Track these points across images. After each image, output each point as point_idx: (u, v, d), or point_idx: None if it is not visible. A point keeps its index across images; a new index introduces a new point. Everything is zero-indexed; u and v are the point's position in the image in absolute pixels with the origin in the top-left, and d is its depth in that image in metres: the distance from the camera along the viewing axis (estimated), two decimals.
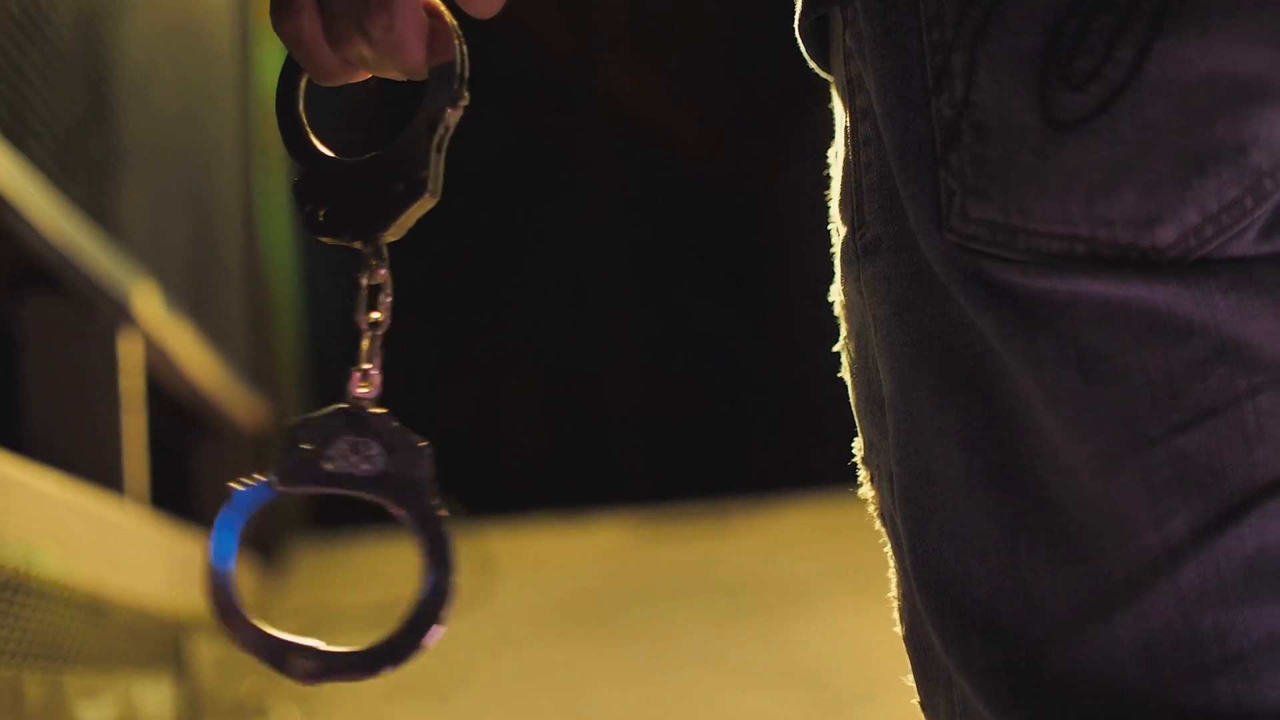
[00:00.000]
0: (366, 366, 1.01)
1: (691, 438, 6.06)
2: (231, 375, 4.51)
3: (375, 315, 1.02)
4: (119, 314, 2.92)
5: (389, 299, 1.02)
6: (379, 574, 5.23)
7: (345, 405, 0.99)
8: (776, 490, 5.76)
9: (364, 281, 1.02)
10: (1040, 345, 0.92)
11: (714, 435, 6.36)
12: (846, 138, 1.05)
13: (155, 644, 2.93)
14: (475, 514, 5.58)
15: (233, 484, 1.00)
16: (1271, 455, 0.90)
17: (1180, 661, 0.91)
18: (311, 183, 1.00)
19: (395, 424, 1.00)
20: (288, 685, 3.69)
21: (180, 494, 4.03)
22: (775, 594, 4.40)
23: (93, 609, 2.51)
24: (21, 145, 2.38)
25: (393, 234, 1.01)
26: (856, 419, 1.13)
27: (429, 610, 0.97)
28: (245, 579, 4.44)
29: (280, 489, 0.99)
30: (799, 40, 1.08)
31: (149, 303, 3.17)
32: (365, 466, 0.98)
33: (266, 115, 4.86)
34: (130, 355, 2.99)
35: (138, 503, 3.01)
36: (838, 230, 1.10)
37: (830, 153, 1.13)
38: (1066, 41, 0.91)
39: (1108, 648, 0.93)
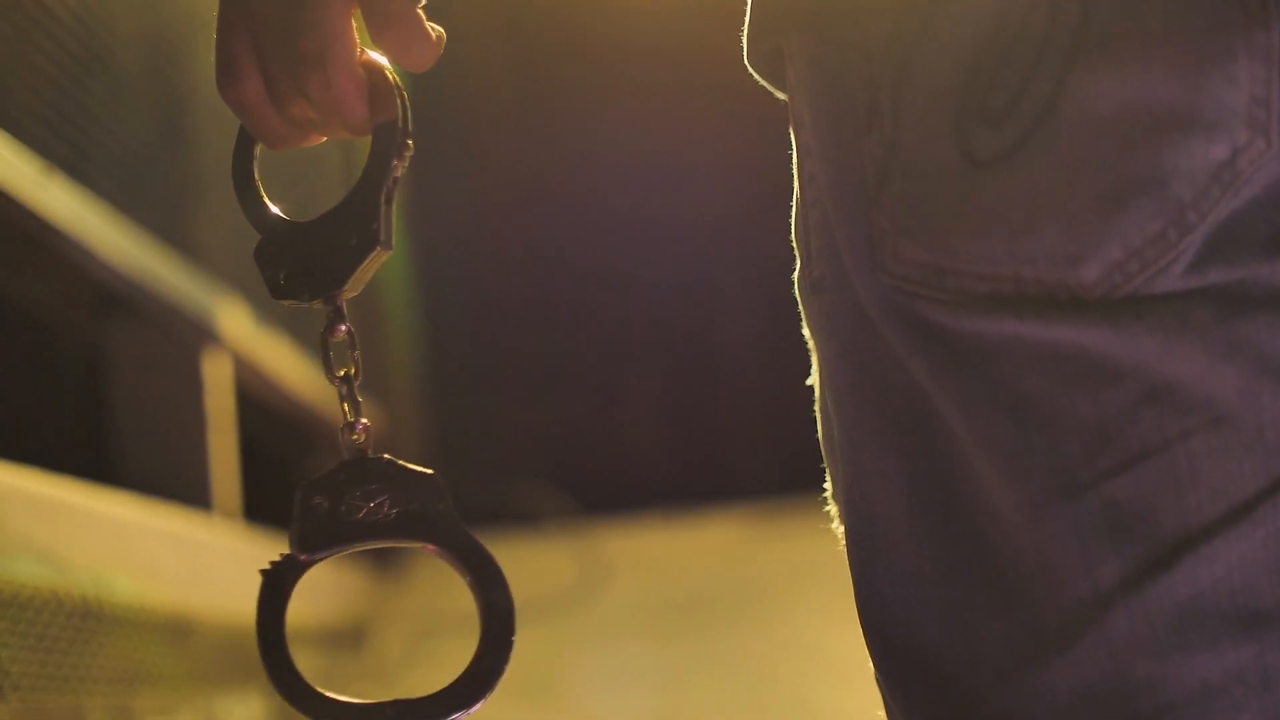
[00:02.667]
0: (352, 420, 1.02)
1: (808, 431, 6.04)
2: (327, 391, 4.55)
3: (346, 370, 1.03)
4: (201, 334, 2.96)
5: (357, 353, 1.03)
6: None
7: (347, 459, 1.00)
8: None
9: (327, 339, 1.03)
10: (971, 388, 0.91)
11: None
12: (796, 172, 1.04)
13: (245, 659, 2.97)
14: (590, 513, 5.61)
15: (261, 569, 1.01)
16: (1204, 500, 0.88)
17: (1115, 710, 0.90)
18: (270, 247, 1.01)
19: (399, 464, 1.01)
20: (396, 690, 3.73)
21: (286, 508, 4.07)
22: None
23: (176, 629, 2.54)
24: (85, 177, 2.41)
25: (350, 290, 1.02)
26: (824, 456, 1.12)
27: (498, 634, 0.98)
28: (355, 585, 4.49)
29: (304, 558, 1.00)
30: (752, 73, 1.08)
31: (236, 320, 3.20)
32: (384, 513, 0.99)
33: None
34: (216, 374, 3.03)
35: (228, 519, 3.05)
36: (795, 265, 1.09)
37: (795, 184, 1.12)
38: (983, 78, 0.89)
39: (1046, 696, 0.91)
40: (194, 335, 2.94)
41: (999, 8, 0.88)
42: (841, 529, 1.12)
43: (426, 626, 4.40)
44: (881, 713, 1.10)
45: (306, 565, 1.00)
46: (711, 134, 6.15)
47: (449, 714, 0.97)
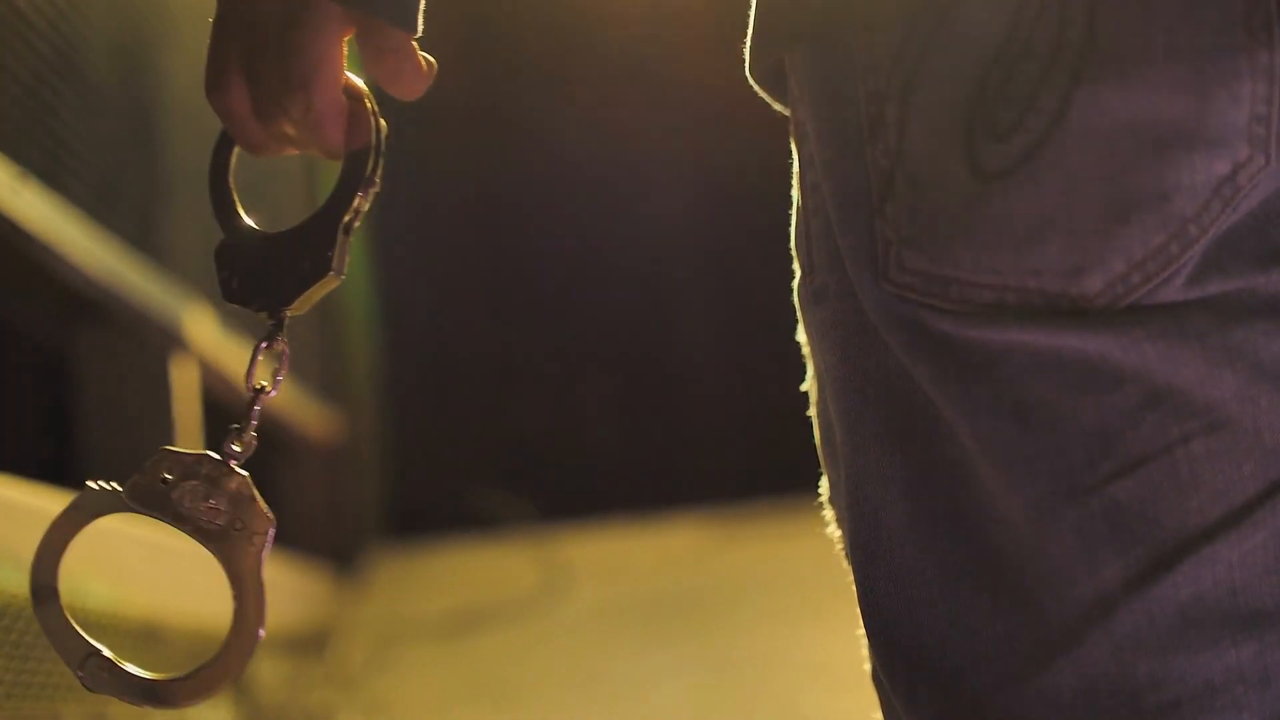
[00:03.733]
0: (242, 429, 1.04)
1: (765, 435, 6.04)
2: (302, 391, 4.55)
3: (263, 384, 1.04)
4: (170, 340, 2.96)
5: (283, 373, 1.05)
6: (456, 581, 5.27)
7: (214, 455, 1.02)
8: None
9: (262, 348, 1.04)
10: (975, 395, 0.93)
11: (787, 433, 6.35)
12: (798, 182, 1.06)
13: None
14: (550, 518, 5.62)
15: (89, 483, 1.03)
16: (1204, 502, 0.90)
17: (1118, 710, 0.91)
18: (230, 251, 1.03)
19: (251, 493, 1.02)
20: (359, 697, 3.73)
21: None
22: (843, 596, 4.39)
23: (147, 635, 2.54)
24: (57, 183, 2.41)
25: (296, 308, 1.04)
26: (821, 459, 1.14)
27: (230, 662, 1.01)
28: (317, 591, 4.48)
29: (128, 503, 1.02)
30: (754, 85, 1.09)
31: (203, 326, 3.20)
32: (207, 518, 1.01)
33: None
34: (184, 380, 3.03)
35: None
36: (796, 273, 1.11)
37: (793, 193, 1.14)
38: (991, 92, 0.91)
39: (1050, 696, 0.93)
40: (163, 341, 2.94)
41: (1006, 24, 0.90)
42: (838, 532, 1.14)
43: (388, 633, 4.40)
44: (876, 714, 1.12)
45: (121, 508, 1.03)
46: (669, 138, 6.16)
47: None
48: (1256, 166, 0.88)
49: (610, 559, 5.40)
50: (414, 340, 6.04)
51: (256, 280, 1.03)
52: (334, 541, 5.01)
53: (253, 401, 1.04)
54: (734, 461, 6.07)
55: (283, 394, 4.05)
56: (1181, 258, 0.89)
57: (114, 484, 1.02)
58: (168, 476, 1.01)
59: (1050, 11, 0.89)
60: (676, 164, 6.22)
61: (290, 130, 0.99)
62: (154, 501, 1.02)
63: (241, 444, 1.03)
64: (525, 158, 6.08)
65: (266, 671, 3.37)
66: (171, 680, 1.01)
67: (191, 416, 3.06)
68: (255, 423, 1.04)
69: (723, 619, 4.40)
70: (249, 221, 1.05)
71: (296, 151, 1.04)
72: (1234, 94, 0.87)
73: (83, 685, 1.02)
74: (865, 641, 1.13)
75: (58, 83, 2.47)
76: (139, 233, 2.90)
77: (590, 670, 3.94)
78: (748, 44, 1.05)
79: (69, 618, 1.02)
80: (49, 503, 2.25)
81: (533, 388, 6.10)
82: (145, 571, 2.57)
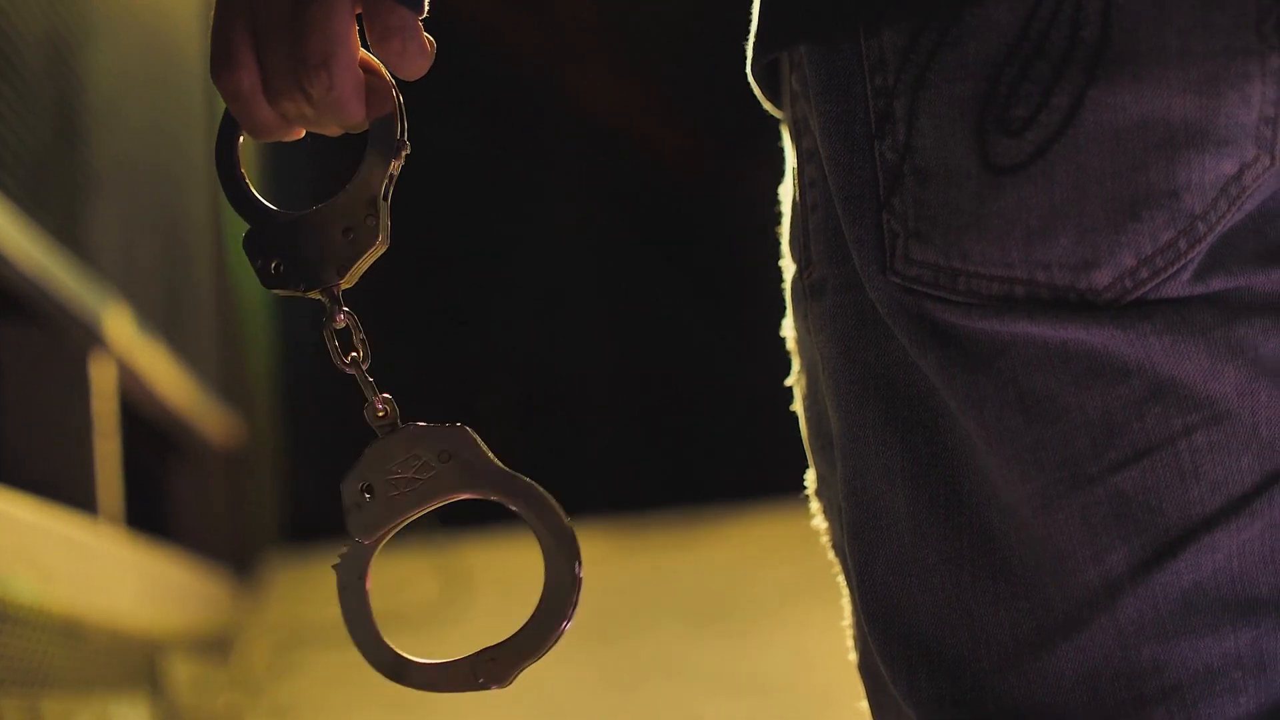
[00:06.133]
0: (371, 399, 1.04)
1: (665, 447, 6.06)
2: (205, 394, 4.52)
3: (353, 355, 1.04)
4: (90, 338, 2.94)
5: (361, 335, 1.04)
6: None
7: (377, 439, 1.02)
8: (749, 498, 5.77)
9: (329, 328, 1.04)
10: (981, 385, 0.94)
11: (687, 444, 6.38)
12: (794, 178, 1.07)
13: (131, 664, 2.94)
14: (449, 526, 5.61)
15: (332, 566, 1.02)
16: (1206, 492, 0.93)
17: (1120, 693, 0.94)
18: (261, 237, 1.02)
19: (426, 425, 1.02)
20: (264, 700, 3.70)
21: (156, 514, 4.04)
22: (742, 604, 4.42)
23: (69, 632, 2.52)
24: None
25: (347, 281, 1.03)
26: (808, 452, 1.15)
27: (567, 554, 1.00)
28: (219, 595, 4.45)
29: (368, 541, 1.02)
30: (751, 83, 1.10)
31: (121, 325, 3.18)
32: (428, 475, 1.01)
33: None
34: (102, 378, 3.01)
35: (113, 524, 3.02)
36: (788, 268, 1.12)
37: (781, 191, 1.15)
38: (1004, 89, 0.93)
39: (1051, 680, 0.95)
40: (84, 339, 2.91)
41: (1020, 23, 0.92)
42: (824, 524, 1.16)
43: (291, 638, 4.38)
44: (860, 704, 1.14)
45: (372, 549, 1.02)
46: (564, 149, 6.17)
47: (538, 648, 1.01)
48: (1262, 167, 0.91)
49: (511, 568, 5.39)
50: (312, 343, 6.00)
51: (298, 262, 1.02)
52: (233, 545, 4.98)
53: (358, 374, 1.03)
54: (636, 471, 6.08)
55: (181, 396, 4.02)
56: (1189, 254, 0.91)
57: (342, 550, 1.02)
58: (366, 493, 1.01)
59: (1065, 12, 0.91)
60: (572, 176, 6.23)
61: (305, 109, 0.98)
62: (384, 515, 1.01)
63: (380, 410, 1.02)
64: (424, 165, 6.07)
65: (177, 673, 3.34)
66: (528, 627, 1.00)
67: (108, 415, 3.04)
68: (374, 387, 1.03)
69: (628, 628, 4.41)
70: (270, 205, 1.04)
71: (302, 133, 1.03)
72: (1244, 96, 0.90)
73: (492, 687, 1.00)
74: (850, 633, 1.15)
75: None
76: (64, 228, 2.88)
77: None
78: (751, 41, 1.07)
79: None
80: None
81: (431, 395, 6.09)
82: (65, 568, 2.55)
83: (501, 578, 5.18)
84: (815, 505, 1.16)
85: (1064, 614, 0.94)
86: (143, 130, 3.80)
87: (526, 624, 1.01)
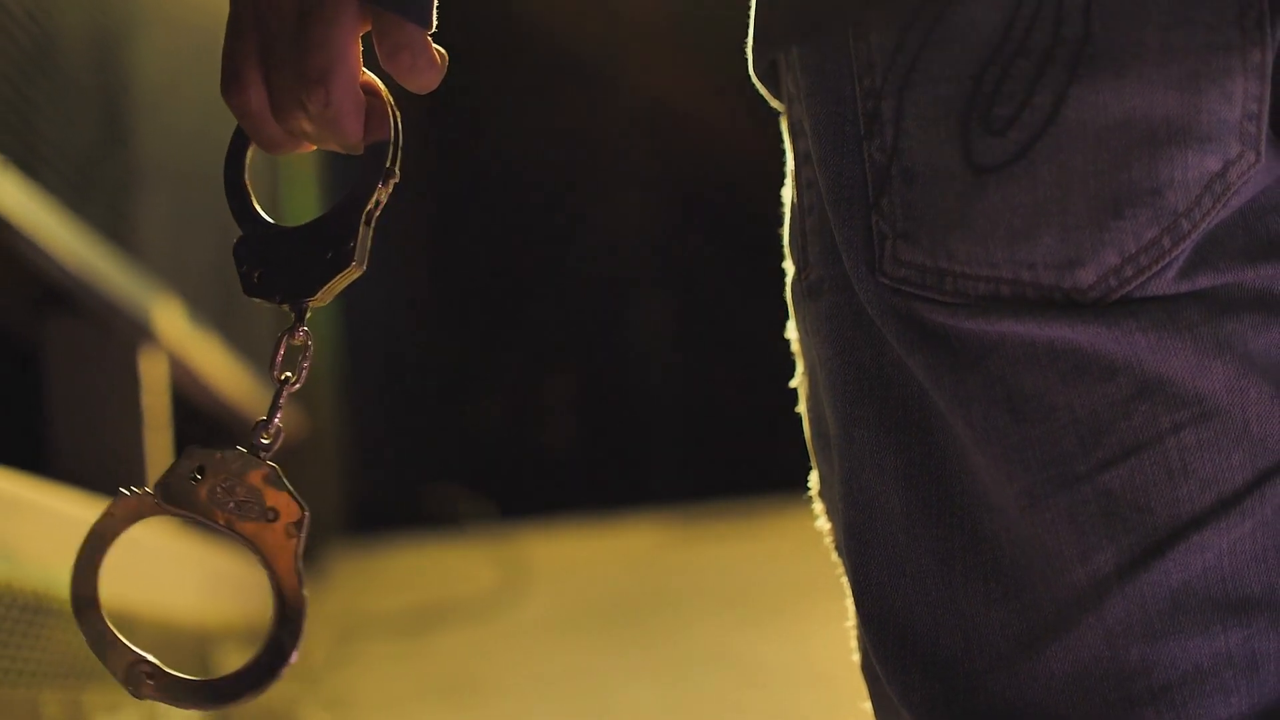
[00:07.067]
0: (268, 420, 1.04)
1: (725, 438, 6.06)
2: (262, 388, 4.55)
3: (288, 374, 1.05)
4: (139, 333, 2.96)
5: (307, 363, 1.06)
6: (416, 579, 5.27)
7: (243, 449, 1.03)
8: (803, 489, 5.74)
9: (285, 341, 1.05)
10: (969, 385, 0.94)
11: (746, 435, 6.38)
12: (793, 179, 1.08)
13: (183, 656, 2.97)
14: (509, 516, 5.63)
15: (121, 489, 1.04)
16: (1195, 491, 0.92)
17: (1109, 693, 0.94)
18: (249, 245, 1.05)
19: (281, 483, 1.03)
20: (322, 692, 3.73)
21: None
22: (794, 595, 4.41)
23: (117, 626, 2.54)
24: (34, 173, 2.42)
25: (319, 300, 1.05)
26: (811, 454, 1.15)
27: (266, 667, 1.01)
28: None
29: (161, 504, 1.03)
30: (756, 83, 1.11)
31: (172, 319, 3.21)
32: (240, 512, 1.02)
33: None
34: (153, 372, 3.03)
35: None
36: (788, 270, 1.12)
37: (783, 192, 1.15)
38: (988, 88, 0.93)
39: (1042, 680, 0.95)
40: (133, 333, 2.94)
41: (1002, 23, 0.92)
42: (827, 524, 1.16)
43: (349, 628, 4.41)
44: (864, 704, 1.14)
45: (155, 511, 1.03)
46: (626, 140, 6.17)
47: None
48: (1247, 163, 0.91)
49: (569, 558, 5.41)
50: (375, 338, 6.04)
51: (278, 273, 1.04)
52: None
53: (278, 392, 1.04)
54: (694, 461, 6.09)
55: (238, 389, 4.05)
56: (1173, 251, 0.91)
57: (144, 488, 1.03)
58: (197, 475, 1.02)
59: (1047, 10, 0.91)
60: (635, 166, 6.23)
61: (308, 126, 1.00)
62: (186, 500, 1.02)
63: (269, 435, 1.04)
64: (485, 159, 6.09)
65: (234, 663, 3.37)
66: (226, 678, 1.01)
67: (160, 410, 3.06)
68: (281, 413, 1.04)
69: (681, 618, 4.42)
70: (266, 217, 1.06)
71: (312, 148, 1.04)
72: (1226, 92, 0.89)
73: (130, 694, 1.02)
74: (854, 633, 1.15)
75: (35, 73, 2.47)
76: (111, 224, 2.90)
77: (549, 669, 3.95)
78: (748, 44, 1.07)
79: (111, 626, 1.02)
80: (27, 491, 2.26)
81: (493, 387, 6.11)
82: (113, 561, 2.57)
83: (558, 569, 5.20)
84: (818, 506, 1.17)
85: (1053, 614, 0.94)
86: (192, 125, 3.83)
87: (234, 673, 1.02)
